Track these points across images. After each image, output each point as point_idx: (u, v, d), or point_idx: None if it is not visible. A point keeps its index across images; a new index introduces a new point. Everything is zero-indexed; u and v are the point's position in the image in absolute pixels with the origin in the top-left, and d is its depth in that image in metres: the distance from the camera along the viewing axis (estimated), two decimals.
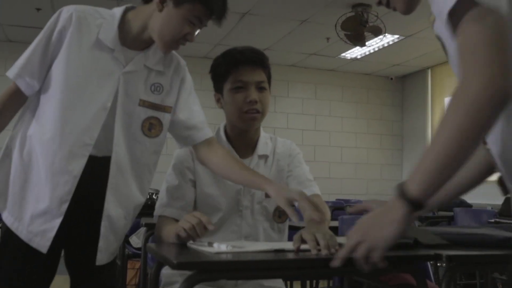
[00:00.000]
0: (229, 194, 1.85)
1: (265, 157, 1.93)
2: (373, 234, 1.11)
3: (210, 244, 1.46)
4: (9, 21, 6.20)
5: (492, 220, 4.12)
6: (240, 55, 1.87)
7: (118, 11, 1.74)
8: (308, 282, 3.38)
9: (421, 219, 4.57)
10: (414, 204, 1.06)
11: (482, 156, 1.39)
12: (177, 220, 1.72)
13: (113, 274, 1.91)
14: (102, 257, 1.73)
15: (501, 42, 0.96)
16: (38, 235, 1.67)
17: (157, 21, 1.69)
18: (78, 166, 1.66)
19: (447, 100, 1.13)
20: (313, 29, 6.30)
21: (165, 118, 1.81)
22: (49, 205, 1.65)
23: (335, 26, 5.73)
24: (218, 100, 1.95)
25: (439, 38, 1.17)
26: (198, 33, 1.77)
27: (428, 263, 2.27)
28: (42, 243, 1.67)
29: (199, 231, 1.48)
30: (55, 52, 1.69)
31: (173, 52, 1.83)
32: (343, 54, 7.43)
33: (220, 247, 1.41)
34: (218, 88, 1.94)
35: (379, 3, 1.30)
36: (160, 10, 1.68)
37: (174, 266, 1.22)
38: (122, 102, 1.72)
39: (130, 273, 4.44)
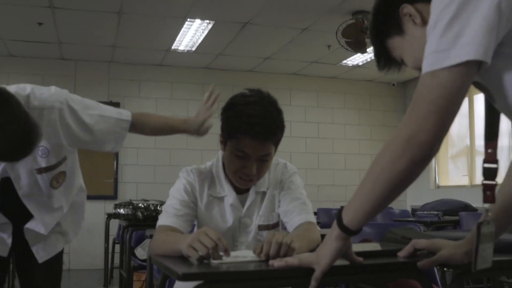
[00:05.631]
0: (225, 230, 1.84)
1: (262, 192, 1.90)
2: (319, 252, 1.25)
3: None
4: (11, 36, 6.23)
5: None
6: (248, 127, 1.70)
7: None
8: None
9: (426, 225, 4.55)
10: (345, 229, 1.19)
11: None
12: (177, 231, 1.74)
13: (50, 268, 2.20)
14: (41, 257, 2.12)
15: (441, 101, 1.02)
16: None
17: None
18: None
19: None
20: (314, 37, 6.32)
21: (65, 165, 2.02)
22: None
23: (336, 33, 5.74)
24: (221, 142, 1.83)
25: (480, 88, 1.19)
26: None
27: (435, 268, 2.26)
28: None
29: (215, 256, 1.37)
30: None
31: (43, 103, 1.82)
32: (345, 61, 7.44)
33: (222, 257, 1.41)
34: (223, 135, 1.82)
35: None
36: None
37: (179, 278, 1.21)
38: (20, 181, 1.93)
39: (136, 285, 4.43)
